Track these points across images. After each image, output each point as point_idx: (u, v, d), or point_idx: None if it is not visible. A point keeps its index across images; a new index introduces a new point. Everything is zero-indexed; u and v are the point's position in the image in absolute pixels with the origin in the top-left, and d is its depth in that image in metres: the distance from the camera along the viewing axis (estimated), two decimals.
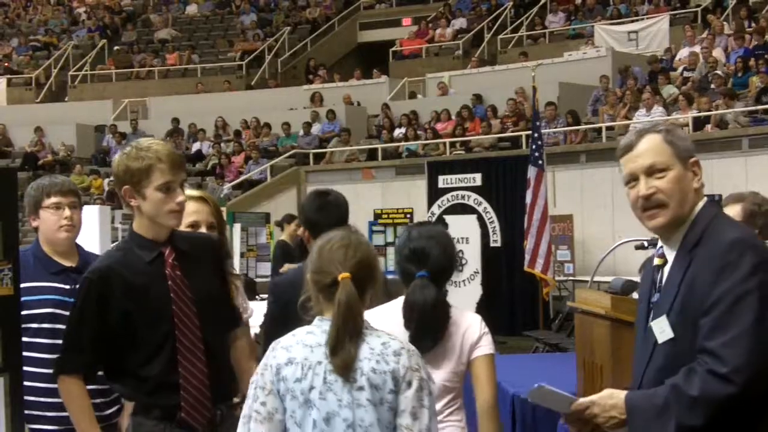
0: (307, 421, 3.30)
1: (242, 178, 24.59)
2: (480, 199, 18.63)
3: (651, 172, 3.41)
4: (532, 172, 15.90)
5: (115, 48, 35.02)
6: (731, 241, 3.19)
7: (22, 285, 4.57)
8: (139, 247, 4.16)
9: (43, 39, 36.20)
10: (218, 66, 32.92)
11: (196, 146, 27.78)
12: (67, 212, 4.93)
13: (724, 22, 24.40)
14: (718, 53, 22.80)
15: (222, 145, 27.05)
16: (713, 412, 3.07)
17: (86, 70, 33.72)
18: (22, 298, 4.59)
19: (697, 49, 23.11)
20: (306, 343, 3.38)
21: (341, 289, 3.35)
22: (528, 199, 15.88)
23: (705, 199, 3.42)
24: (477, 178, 18.62)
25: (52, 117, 29.87)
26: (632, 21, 27.57)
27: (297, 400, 3.32)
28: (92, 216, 13.78)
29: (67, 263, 4.93)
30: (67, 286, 4.81)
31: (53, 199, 4.93)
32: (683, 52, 23.55)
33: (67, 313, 4.59)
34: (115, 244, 4.49)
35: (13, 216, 4.07)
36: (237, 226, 19.54)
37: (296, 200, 22.19)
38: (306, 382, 3.32)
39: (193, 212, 4.55)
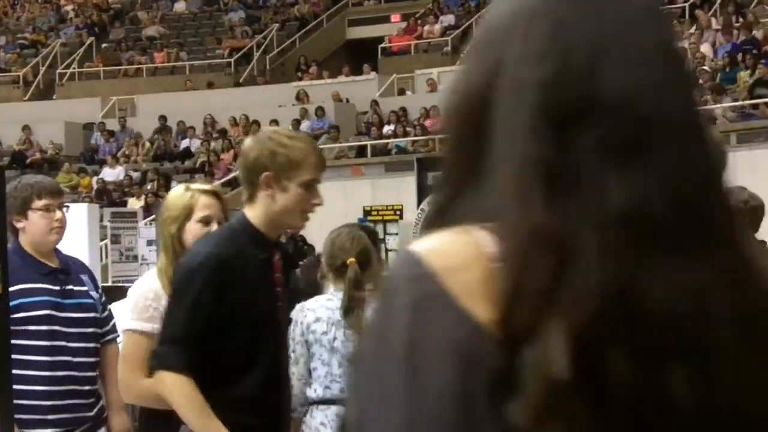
0: (333, 361, 4.65)
1: (231, 175, 24.56)
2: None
3: None
4: None
5: (103, 46, 34.92)
6: None
7: (15, 287, 4.58)
8: (254, 242, 3.72)
9: (31, 37, 36.09)
10: (207, 63, 32.87)
11: (184, 144, 27.75)
12: (58, 214, 4.82)
13: (712, 18, 24.44)
14: (705, 48, 22.85)
15: (211, 142, 27.02)
16: None
17: (74, 68, 33.64)
18: (17, 301, 4.58)
19: (685, 44, 23.14)
20: (328, 307, 4.71)
21: (349, 270, 4.66)
22: None
23: None
24: None
25: (40, 115, 29.80)
26: None
27: (324, 347, 4.66)
28: (81, 214, 13.75)
29: (52, 264, 4.81)
30: (57, 287, 4.71)
31: (44, 201, 4.78)
32: None
33: (62, 314, 4.59)
34: (218, 228, 4.02)
35: (1, 215, 4.06)
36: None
37: None
38: (330, 334, 4.67)
39: (206, 206, 4.29)
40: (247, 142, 3.93)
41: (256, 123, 26.85)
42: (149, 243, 15.81)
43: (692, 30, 24.01)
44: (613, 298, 1.08)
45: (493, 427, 1.07)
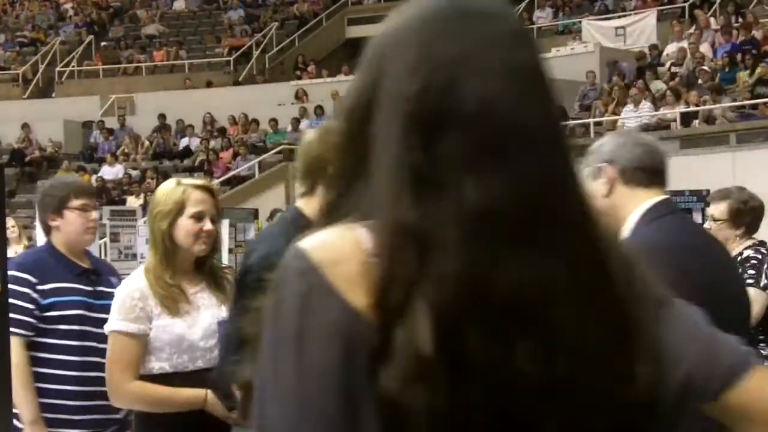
0: None
1: (230, 174, 24.57)
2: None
3: None
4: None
5: (103, 44, 34.90)
6: None
7: (49, 285, 4.61)
8: None
9: (30, 35, 36.07)
10: (206, 62, 32.86)
11: (183, 142, 27.74)
12: (93, 215, 4.83)
13: (711, 18, 24.43)
14: (705, 48, 22.84)
15: (210, 141, 27.02)
16: None
17: (73, 66, 33.61)
18: (51, 299, 4.60)
19: (684, 44, 23.14)
20: None
21: None
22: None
23: (649, 202, 3.42)
24: None
25: (39, 113, 29.78)
26: (620, 16, 27.59)
27: None
28: None
29: (84, 264, 4.78)
30: (89, 288, 4.68)
31: (81, 201, 4.75)
32: (671, 48, 23.58)
33: (94, 315, 4.53)
34: (271, 225, 3.99)
35: (1, 211, 4.06)
36: (225, 222, 19.48)
37: (284, 196, 22.17)
38: None
39: (199, 201, 4.13)
40: (310, 135, 3.74)
41: (255, 122, 26.87)
42: (148, 241, 15.79)
43: (691, 30, 24.00)
44: (468, 283, 1.28)
45: (370, 395, 1.26)
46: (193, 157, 26.63)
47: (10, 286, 4.55)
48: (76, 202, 4.73)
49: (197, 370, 4.03)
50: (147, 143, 28.25)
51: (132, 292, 4.05)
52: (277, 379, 1.32)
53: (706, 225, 5.94)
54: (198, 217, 4.10)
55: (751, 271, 5.54)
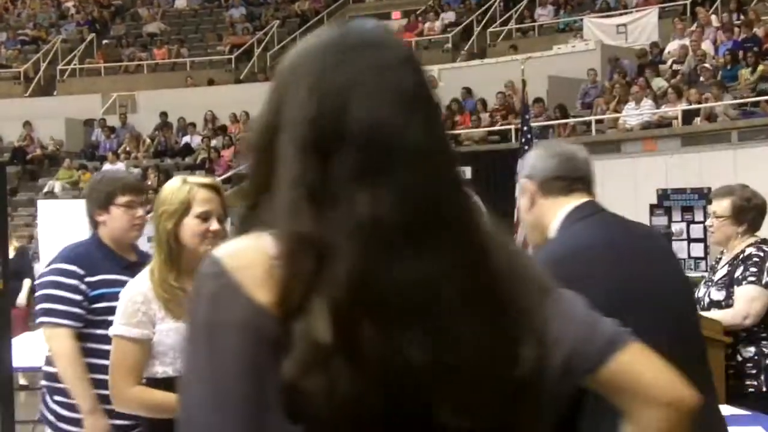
0: None
1: (232, 172, 24.56)
2: (470, 192, 18.60)
3: None
4: (521, 165, 15.89)
5: (104, 42, 34.91)
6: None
7: (97, 277, 4.65)
8: None
9: (32, 33, 36.08)
10: (207, 60, 32.86)
11: (185, 140, 27.74)
12: (140, 212, 4.80)
13: (713, 15, 24.42)
14: (706, 46, 22.83)
15: (212, 139, 27.02)
16: None
17: (75, 64, 33.61)
18: (99, 291, 4.63)
19: (686, 41, 23.13)
20: None
21: None
22: (518, 193, 15.86)
23: (567, 208, 3.39)
24: (467, 172, 18.61)
25: (40, 111, 29.77)
26: (621, 14, 27.58)
27: None
28: (81, 211, 13.73)
29: (131, 258, 4.80)
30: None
31: (127, 197, 4.75)
32: (672, 45, 23.57)
33: None
34: None
35: (2, 210, 4.07)
36: (227, 221, 19.54)
37: None
38: None
39: (206, 201, 4.04)
40: None
41: None
42: (150, 239, 15.80)
43: (693, 27, 23.98)
44: (359, 282, 1.46)
45: (275, 382, 1.44)
46: (194, 155, 26.64)
47: (57, 278, 4.64)
48: (122, 199, 4.73)
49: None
50: (148, 141, 28.26)
51: (134, 296, 3.98)
52: (194, 368, 1.53)
53: (708, 222, 5.93)
54: (204, 217, 4.02)
55: (753, 269, 5.54)
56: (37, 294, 4.89)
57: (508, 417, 1.57)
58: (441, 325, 1.51)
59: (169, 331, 3.93)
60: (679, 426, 1.78)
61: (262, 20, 34.23)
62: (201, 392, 1.50)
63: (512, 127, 21.62)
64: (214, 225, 4.03)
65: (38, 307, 4.80)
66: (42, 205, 15.64)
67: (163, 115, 28.48)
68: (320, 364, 1.45)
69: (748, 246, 5.64)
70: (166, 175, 24.37)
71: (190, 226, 4.00)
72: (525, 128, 16.32)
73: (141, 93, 31.13)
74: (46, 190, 26.08)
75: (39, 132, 28.98)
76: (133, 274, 4.52)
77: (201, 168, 25.56)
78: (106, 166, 26.51)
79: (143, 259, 4.72)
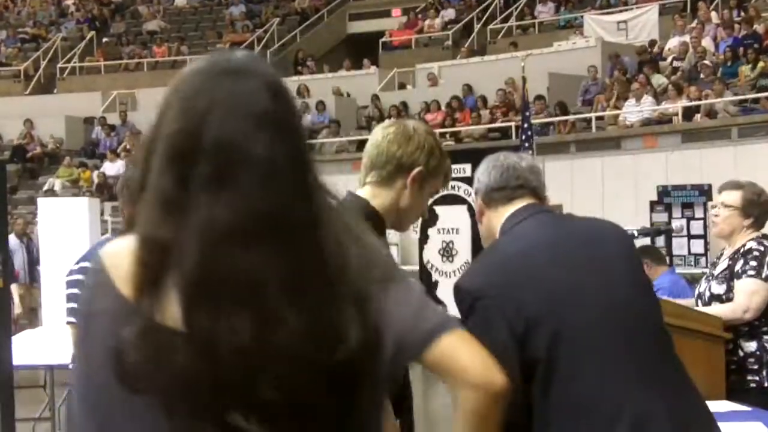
0: None
1: None
2: (470, 189, 18.58)
3: None
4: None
5: (104, 40, 34.91)
6: (453, 288, 3.34)
7: None
8: (378, 233, 3.28)
9: (32, 31, 36.07)
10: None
11: None
12: None
13: (713, 12, 24.42)
14: (707, 43, 22.82)
15: None
16: None
17: (75, 62, 33.61)
18: None
19: (686, 38, 23.12)
20: None
21: None
22: None
23: (502, 218, 3.44)
24: (467, 169, 18.59)
25: (40, 109, 29.79)
26: (621, 11, 27.57)
27: None
28: (81, 208, 13.78)
29: None
30: None
31: None
32: (673, 42, 23.56)
33: None
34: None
35: (3, 208, 4.07)
36: None
37: None
38: None
39: None
40: (402, 128, 3.57)
41: None
42: None
43: (693, 24, 23.98)
44: (198, 274, 1.76)
45: (135, 356, 1.75)
46: None
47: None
48: None
49: None
50: None
51: None
52: (76, 351, 1.95)
53: (713, 212, 5.92)
54: None
55: (753, 263, 5.53)
56: (66, 292, 4.90)
57: (326, 394, 1.82)
58: (267, 311, 1.78)
59: None
60: (487, 406, 2.07)
61: (261, 18, 34.22)
62: (79, 368, 1.90)
63: (512, 124, 21.62)
64: None
65: (66, 306, 4.79)
66: (42, 203, 15.63)
67: None
68: (166, 346, 1.76)
69: (750, 240, 5.64)
70: None
71: None
72: (525, 125, 16.33)
73: (141, 91, 31.11)
74: (46, 188, 26.08)
75: (39, 130, 28.98)
76: None
77: None
78: (106, 165, 26.53)
79: None
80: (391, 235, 3.61)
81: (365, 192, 3.53)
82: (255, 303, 1.77)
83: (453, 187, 18.41)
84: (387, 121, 3.76)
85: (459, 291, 3.24)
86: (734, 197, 5.68)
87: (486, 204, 3.49)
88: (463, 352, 2.02)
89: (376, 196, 3.51)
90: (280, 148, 1.86)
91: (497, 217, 3.44)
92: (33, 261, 17.48)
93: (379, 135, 3.55)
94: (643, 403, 3.05)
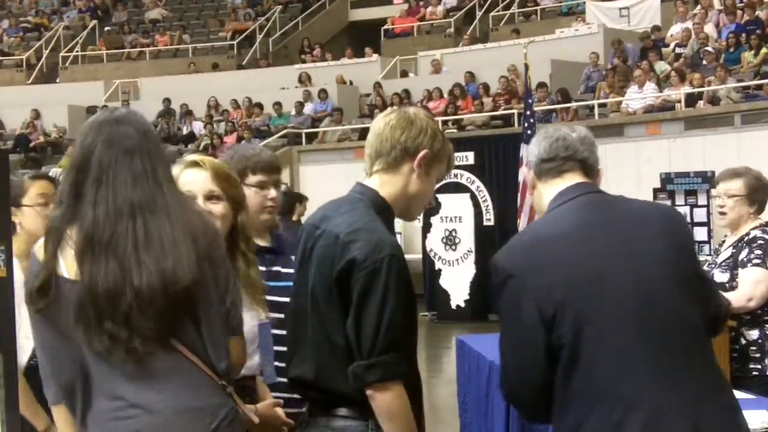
0: None
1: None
2: (473, 177, 18.63)
3: None
4: (524, 150, 15.88)
5: (106, 29, 34.90)
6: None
7: None
8: (388, 224, 3.48)
9: (34, 20, 36.06)
10: (209, 46, 32.83)
11: (187, 126, 27.74)
12: (272, 193, 4.38)
13: None
14: (709, 29, 22.78)
15: (214, 125, 27.02)
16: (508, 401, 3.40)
17: (77, 51, 33.61)
18: None
19: (688, 24, 23.08)
20: None
21: None
22: (521, 178, 15.85)
23: (551, 194, 3.40)
24: (470, 157, 18.62)
25: (43, 98, 29.80)
26: None
27: None
28: None
29: (262, 243, 4.35)
30: (263, 268, 4.19)
31: (259, 177, 4.34)
32: (675, 28, 23.53)
33: (271, 298, 4.05)
34: (353, 204, 3.50)
35: (6, 198, 4.06)
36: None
37: (289, 180, 22.17)
38: None
39: (188, 182, 3.76)
40: (403, 113, 3.56)
41: (259, 105, 26.85)
42: None
43: (696, 10, 23.93)
44: (85, 242, 3.03)
45: (40, 294, 3.12)
46: (197, 142, 26.63)
47: None
48: (252, 179, 4.32)
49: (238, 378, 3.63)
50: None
51: None
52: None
53: (718, 203, 5.90)
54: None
55: (758, 251, 5.53)
56: None
57: (169, 306, 3.00)
58: (128, 261, 3.00)
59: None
60: None
61: (263, 6, 34.18)
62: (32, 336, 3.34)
63: (515, 111, 21.61)
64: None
65: None
66: None
67: (166, 101, 28.48)
68: (50, 283, 3.08)
69: (753, 228, 5.64)
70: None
71: None
72: (528, 112, 16.32)
73: (143, 80, 31.13)
74: None
75: (42, 119, 28.98)
76: (265, 262, 4.24)
77: (204, 154, 25.54)
78: None
79: (279, 244, 4.43)
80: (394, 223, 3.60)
81: (374, 182, 3.51)
82: (120, 256, 3.00)
83: (455, 175, 18.42)
84: (387, 110, 3.72)
85: (494, 266, 3.26)
86: (737, 185, 5.67)
87: (537, 176, 3.45)
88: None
89: (385, 184, 3.49)
90: (141, 165, 3.09)
91: (547, 192, 3.41)
92: None
93: (381, 123, 3.54)
94: (660, 396, 3.05)
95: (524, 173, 3.50)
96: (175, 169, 3.74)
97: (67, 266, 3.07)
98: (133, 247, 3.00)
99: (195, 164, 3.84)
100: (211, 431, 3.08)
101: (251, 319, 3.76)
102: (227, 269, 3.21)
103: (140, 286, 2.95)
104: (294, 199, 12.30)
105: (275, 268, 4.38)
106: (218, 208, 3.76)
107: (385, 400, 3.26)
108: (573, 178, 3.36)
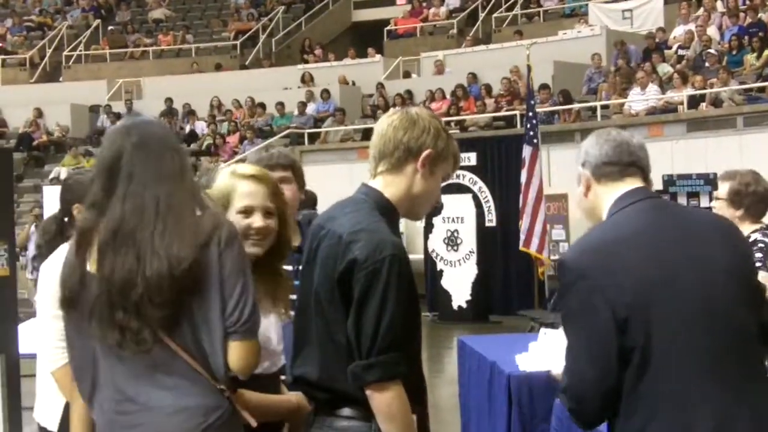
0: None
1: (237, 158, 24.56)
2: (475, 178, 18.64)
3: None
4: (526, 151, 15.90)
5: (110, 28, 34.92)
6: (557, 262, 3.37)
7: None
8: (392, 225, 3.47)
9: (38, 19, 36.08)
10: (212, 46, 32.85)
11: (190, 126, 27.76)
12: (290, 191, 4.35)
13: (718, 0, 24.35)
14: (712, 31, 22.78)
15: (217, 125, 27.03)
16: (571, 404, 3.21)
17: (80, 51, 33.63)
18: None
19: (691, 27, 23.08)
20: None
21: None
22: (523, 179, 15.87)
23: (615, 195, 3.38)
24: (472, 158, 18.63)
25: (46, 97, 29.82)
26: None
27: None
28: None
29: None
30: (290, 267, 4.14)
31: (279, 174, 4.34)
32: (678, 30, 23.53)
33: (292, 297, 3.89)
34: (358, 204, 3.49)
35: (9, 196, 4.07)
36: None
37: None
38: None
39: (248, 194, 3.70)
40: (405, 114, 3.56)
41: (262, 105, 26.85)
42: None
43: (699, 13, 23.92)
44: (107, 240, 3.22)
45: (71, 288, 3.32)
46: (199, 142, 26.65)
47: None
48: (273, 175, 4.12)
49: (270, 375, 3.72)
50: None
51: None
52: None
53: (712, 204, 5.94)
54: (246, 212, 3.67)
55: (759, 255, 5.53)
56: None
57: (177, 293, 3.15)
58: (142, 253, 3.16)
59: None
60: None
61: (266, 6, 34.19)
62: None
63: (517, 112, 21.61)
64: (257, 221, 3.67)
65: None
66: (48, 191, 15.64)
67: (169, 101, 28.50)
68: (82, 278, 3.27)
69: (754, 232, 5.64)
70: None
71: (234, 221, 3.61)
72: (530, 114, 16.32)
73: (146, 79, 31.15)
74: (52, 176, 26.10)
75: (45, 118, 29.01)
76: (291, 262, 4.13)
77: (206, 154, 25.59)
78: None
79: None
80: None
81: (378, 183, 3.51)
82: (138, 247, 3.17)
83: (458, 176, 18.42)
84: (390, 110, 3.72)
85: (563, 266, 3.24)
86: (723, 189, 5.71)
87: (596, 179, 3.42)
88: None
89: (389, 185, 3.50)
90: (169, 163, 3.30)
91: (606, 195, 3.39)
92: None
93: (384, 124, 3.55)
94: (726, 402, 3.08)
95: (579, 172, 3.43)
96: (226, 176, 3.74)
97: (91, 263, 3.26)
98: (150, 237, 3.16)
99: (254, 177, 3.76)
100: (201, 431, 3.18)
101: (276, 321, 3.74)
102: (240, 270, 3.24)
103: (151, 274, 3.12)
104: (314, 199, 12.13)
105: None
106: (272, 223, 3.73)
107: (384, 401, 3.26)
108: (633, 183, 3.37)
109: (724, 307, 3.17)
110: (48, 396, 4.56)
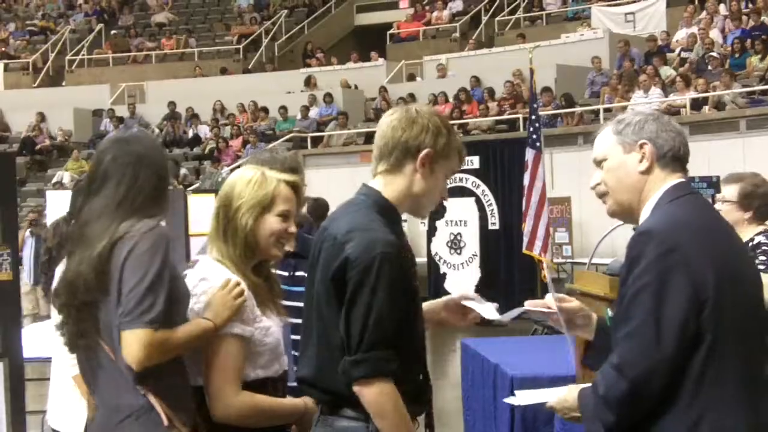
0: None
1: (240, 162, 24.57)
2: (478, 181, 18.63)
3: (597, 163, 3.45)
4: (529, 154, 15.87)
5: (113, 32, 34.95)
6: (638, 233, 3.13)
7: None
8: (393, 224, 3.45)
9: (40, 23, 36.11)
10: (215, 50, 32.87)
11: (193, 130, 27.78)
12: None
13: (721, 3, 24.37)
14: (715, 34, 22.79)
15: (220, 128, 27.04)
16: (620, 409, 3.07)
17: (83, 55, 33.64)
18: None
19: (694, 30, 23.08)
20: None
21: None
22: (526, 182, 15.84)
23: (670, 183, 3.32)
24: (475, 161, 18.62)
25: (49, 101, 29.83)
26: (629, 2, 27.52)
27: None
28: None
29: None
30: (286, 273, 4.22)
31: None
32: (680, 33, 23.53)
33: (288, 303, 3.97)
34: (357, 205, 3.50)
35: (12, 200, 4.08)
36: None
37: None
38: None
39: (289, 199, 3.73)
40: (405, 112, 3.52)
41: (264, 109, 26.87)
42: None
43: (701, 16, 23.93)
44: (69, 242, 3.75)
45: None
46: (203, 145, 26.66)
47: None
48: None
49: (278, 377, 3.70)
50: (157, 131, 28.30)
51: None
52: None
53: (716, 206, 5.93)
54: (285, 216, 3.69)
55: (763, 257, 5.52)
56: None
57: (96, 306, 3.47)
58: (84, 254, 3.45)
59: (267, 330, 3.64)
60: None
61: (269, 10, 34.22)
62: None
63: (520, 116, 21.61)
64: (293, 227, 3.73)
65: None
66: (51, 195, 15.63)
67: (172, 105, 28.51)
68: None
69: (758, 234, 5.63)
70: (174, 165, 24.40)
71: (270, 223, 3.67)
72: (533, 117, 16.30)
73: (149, 83, 31.17)
74: (54, 180, 26.11)
75: (48, 122, 29.02)
76: (284, 266, 4.20)
77: (209, 158, 25.60)
78: None
79: (303, 248, 4.25)
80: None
81: (377, 182, 3.51)
82: (83, 250, 3.46)
83: (461, 179, 18.45)
84: (391, 109, 3.69)
85: (649, 236, 3.12)
86: (732, 191, 5.68)
87: (661, 163, 3.32)
88: None
89: (388, 185, 3.49)
90: (131, 176, 3.57)
91: (660, 182, 3.31)
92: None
93: (383, 123, 3.54)
94: None
95: (644, 145, 3.35)
96: (272, 181, 3.74)
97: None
98: (89, 242, 3.47)
99: (294, 185, 3.80)
100: (114, 425, 3.46)
101: (275, 324, 3.72)
102: (137, 267, 3.43)
103: (86, 276, 3.43)
104: (326, 207, 12.09)
105: (298, 273, 4.40)
106: (294, 229, 3.78)
107: (372, 397, 3.25)
108: (682, 176, 3.36)
109: (763, 307, 3.29)
110: (66, 401, 4.56)
